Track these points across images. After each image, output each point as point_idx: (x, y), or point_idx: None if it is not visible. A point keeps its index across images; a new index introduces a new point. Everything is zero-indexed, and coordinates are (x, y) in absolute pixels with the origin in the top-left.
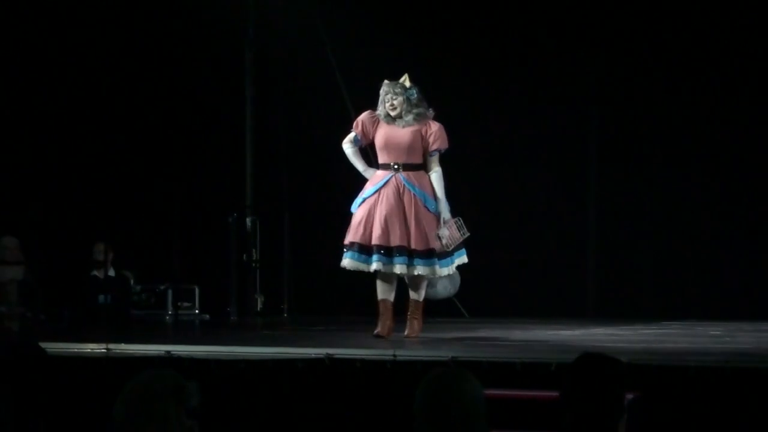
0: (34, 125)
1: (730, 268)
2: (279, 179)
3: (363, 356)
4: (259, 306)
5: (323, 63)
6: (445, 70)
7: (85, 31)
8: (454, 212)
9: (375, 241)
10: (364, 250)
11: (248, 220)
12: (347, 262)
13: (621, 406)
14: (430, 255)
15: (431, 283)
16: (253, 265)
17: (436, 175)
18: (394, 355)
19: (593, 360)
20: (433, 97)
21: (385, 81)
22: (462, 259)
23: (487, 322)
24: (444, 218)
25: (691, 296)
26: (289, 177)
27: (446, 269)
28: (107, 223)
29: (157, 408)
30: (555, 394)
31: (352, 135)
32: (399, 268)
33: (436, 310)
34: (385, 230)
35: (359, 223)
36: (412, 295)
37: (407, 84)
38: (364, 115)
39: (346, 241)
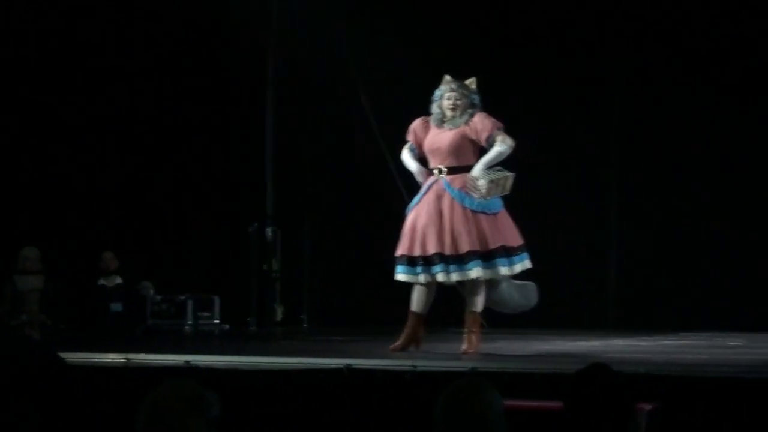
0: (51, 134)
1: (749, 280)
2: (300, 189)
3: (382, 367)
4: (279, 316)
5: (345, 73)
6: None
7: (102, 39)
8: None
9: (417, 251)
10: (411, 261)
11: (269, 230)
12: (400, 276)
13: (628, 417)
14: (462, 260)
15: (492, 290)
16: (273, 275)
17: (495, 148)
18: (414, 366)
19: (593, 372)
20: None
21: (447, 77)
22: (524, 263)
23: (506, 333)
24: (472, 174)
25: (711, 307)
26: (309, 187)
27: (501, 269)
28: (116, 231)
29: (178, 419)
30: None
31: (408, 144)
32: (440, 277)
33: (455, 320)
34: (424, 239)
35: (405, 234)
36: (468, 307)
37: (473, 87)
38: (415, 123)
39: (397, 252)
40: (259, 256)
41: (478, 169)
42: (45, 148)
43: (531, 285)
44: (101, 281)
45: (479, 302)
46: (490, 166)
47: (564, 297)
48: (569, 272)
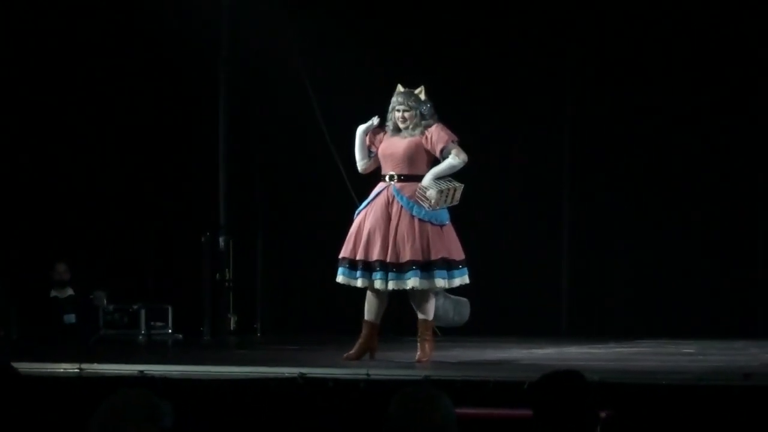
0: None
1: (702, 287)
2: (252, 199)
3: (336, 375)
4: (233, 325)
5: (297, 82)
6: (418, 84)
7: (57, 48)
8: None
9: (359, 255)
10: (352, 264)
11: (221, 240)
12: (339, 277)
13: (591, 420)
14: (402, 269)
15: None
16: (227, 284)
17: (446, 161)
18: (368, 375)
19: (556, 377)
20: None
21: (399, 88)
22: (463, 278)
23: (460, 341)
24: (422, 185)
25: (663, 314)
26: (262, 197)
27: (437, 281)
28: (68, 241)
29: (131, 428)
30: (528, 412)
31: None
32: (378, 284)
33: (409, 329)
34: (367, 244)
35: (349, 237)
36: (419, 315)
37: (422, 97)
38: (376, 134)
39: (340, 255)
40: (212, 265)
41: (428, 179)
42: None
43: (464, 301)
44: (53, 293)
45: (430, 310)
46: (440, 177)
47: (517, 305)
48: (522, 280)
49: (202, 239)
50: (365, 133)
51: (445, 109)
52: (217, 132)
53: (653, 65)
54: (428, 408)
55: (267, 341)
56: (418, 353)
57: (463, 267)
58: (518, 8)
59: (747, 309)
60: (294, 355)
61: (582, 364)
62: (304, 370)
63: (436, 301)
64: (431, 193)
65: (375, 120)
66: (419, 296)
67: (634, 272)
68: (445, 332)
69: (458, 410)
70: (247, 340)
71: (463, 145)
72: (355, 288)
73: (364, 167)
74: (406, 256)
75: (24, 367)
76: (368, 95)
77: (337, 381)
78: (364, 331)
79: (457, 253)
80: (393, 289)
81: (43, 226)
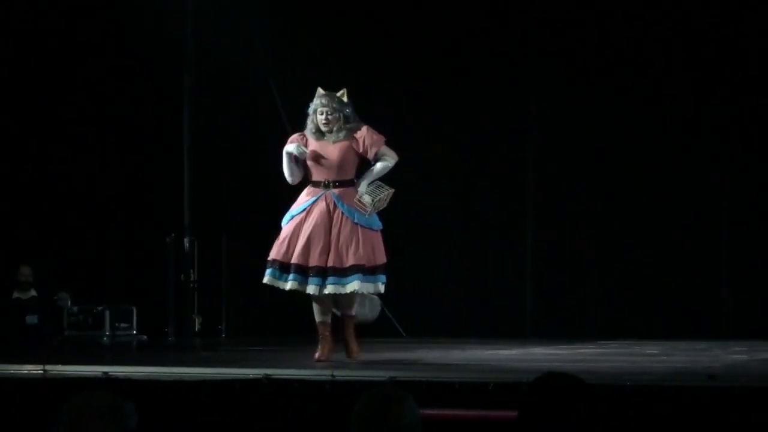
0: None
1: (666, 288)
2: (217, 200)
3: (301, 377)
4: (197, 326)
5: (261, 85)
6: (383, 84)
7: (20, 47)
8: (392, 228)
9: (294, 260)
10: (284, 267)
11: (186, 241)
12: (267, 278)
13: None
14: (344, 273)
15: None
16: (191, 285)
17: (380, 163)
18: (333, 376)
19: (554, 379)
20: (370, 111)
21: (320, 90)
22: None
23: (425, 342)
24: (359, 190)
25: (628, 315)
26: (227, 198)
27: (379, 285)
28: (32, 242)
29: (95, 429)
30: (493, 413)
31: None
32: (311, 289)
33: (373, 330)
34: (306, 250)
35: (283, 241)
36: (345, 313)
37: (345, 99)
38: (293, 137)
39: (269, 256)
40: (176, 266)
41: (364, 186)
42: None
43: (377, 299)
44: (16, 294)
45: (355, 308)
46: (373, 181)
47: (482, 306)
48: (487, 281)
49: (167, 240)
50: (293, 157)
51: (409, 110)
52: (181, 133)
53: (624, 64)
54: (393, 409)
55: (232, 342)
56: (353, 349)
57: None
58: (485, 14)
59: (711, 310)
60: (259, 356)
61: (547, 365)
62: (269, 372)
63: (361, 301)
64: (367, 199)
65: (305, 151)
66: (350, 297)
67: (598, 273)
68: (411, 333)
69: (423, 411)
70: (211, 341)
71: (426, 141)
72: None
73: (296, 181)
74: (350, 261)
75: None
76: (330, 90)
77: (302, 382)
78: (322, 331)
79: (384, 258)
80: (329, 293)
81: (6, 228)
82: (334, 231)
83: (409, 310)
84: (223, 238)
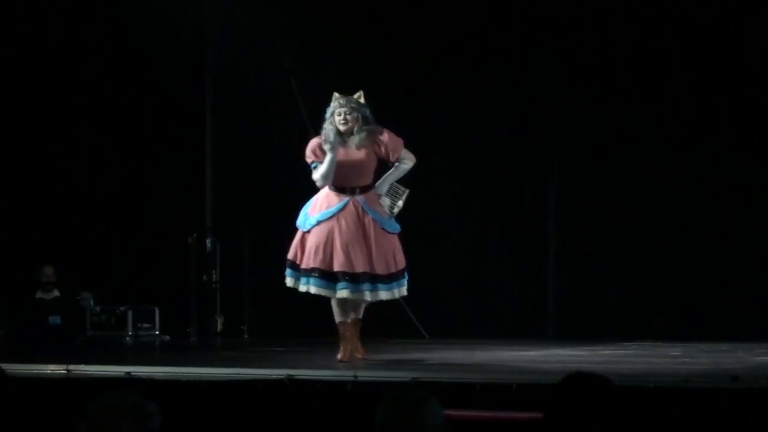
0: None
1: (688, 289)
2: (239, 200)
3: (324, 377)
4: (219, 327)
5: (284, 84)
6: (403, 88)
7: (46, 51)
8: (415, 230)
9: (339, 267)
10: (327, 276)
11: (208, 241)
12: (314, 289)
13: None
14: (391, 279)
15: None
16: (213, 286)
17: (400, 165)
18: (355, 377)
19: (581, 379)
20: (390, 114)
21: (336, 94)
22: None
23: (447, 343)
24: (379, 193)
25: (650, 317)
26: (249, 198)
27: (403, 289)
28: (55, 242)
29: (118, 429)
30: (515, 414)
31: (313, 165)
32: (368, 295)
33: (396, 331)
34: (348, 256)
35: (317, 248)
36: (357, 316)
37: (362, 101)
38: (313, 142)
39: (305, 265)
40: (198, 266)
41: (384, 189)
42: None
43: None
44: (39, 294)
45: (362, 310)
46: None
47: (505, 307)
48: (510, 282)
49: (189, 240)
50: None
51: (432, 114)
52: (203, 133)
53: (640, 68)
54: (416, 410)
55: (254, 343)
56: (362, 351)
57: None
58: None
59: (734, 312)
60: (281, 357)
61: (569, 366)
62: (291, 372)
63: None
64: (387, 202)
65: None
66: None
67: (621, 275)
68: (433, 334)
69: (446, 412)
70: (234, 341)
71: (451, 149)
72: None
73: (328, 184)
74: (393, 267)
75: (11, 368)
76: (351, 94)
77: (324, 383)
78: (344, 331)
79: (403, 263)
80: (383, 299)
81: (29, 228)
82: (369, 237)
83: (431, 312)
84: (246, 239)
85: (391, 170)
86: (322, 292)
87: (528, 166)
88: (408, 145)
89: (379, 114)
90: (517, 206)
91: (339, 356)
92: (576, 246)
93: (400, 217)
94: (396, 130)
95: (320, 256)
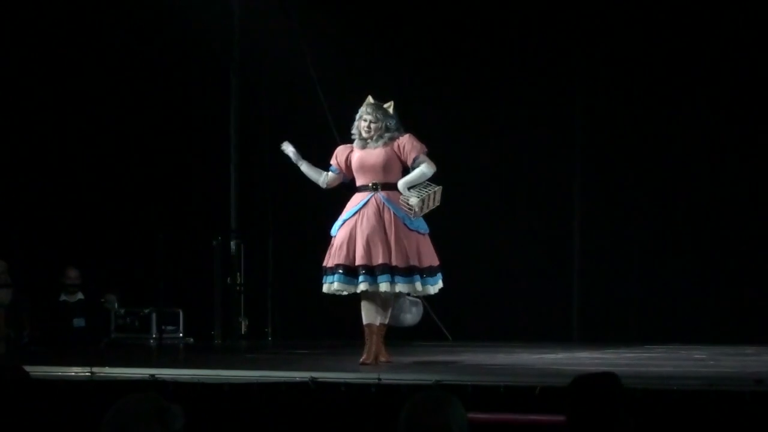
0: (14, 150)
1: (713, 293)
2: (263, 203)
3: (347, 380)
4: (243, 329)
5: (309, 87)
6: (428, 91)
7: (69, 54)
8: (439, 232)
9: (359, 261)
10: (350, 271)
11: (232, 244)
12: (336, 285)
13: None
14: (410, 272)
15: (398, 310)
16: (238, 288)
17: (418, 168)
18: (379, 379)
19: (587, 380)
20: (416, 117)
21: (369, 99)
22: (438, 285)
23: (471, 346)
24: (403, 195)
25: (675, 320)
26: (273, 201)
27: (429, 287)
28: (80, 245)
29: (141, 431)
30: (539, 417)
31: (330, 167)
32: (384, 286)
33: (420, 333)
34: (368, 250)
35: (341, 245)
36: (380, 318)
37: (390, 111)
38: (338, 149)
39: (330, 263)
40: (223, 269)
41: (404, 188)
42: (8, 163)
43: (420, 303)
44: (63, 297)
45: (389, 314)
46: (413, 185)
47: (529, 310)
48: (534, 285)
49: (214, 243)
50: (296, 159)
51: (456, 114)
52: (228, 136)
53: (667, 66)
54: (441, 413)
55: (277, 345)
56: (386, 355)
57: (437, 274)
58: (527, 15)
59: (759, 315)
60: (305, 359)
61: (593, 369)
62: (315, 375)
63: (409, 307)
64: (414, 201)
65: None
66: (385, 301)
67: (645, 278)
68: (456, 337)
69: (470, 415)
70: (257, 344)
71: (471, 146)
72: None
73: (325, 182)
74: (409, 261)
75: (35, 370)
76: (379, 99)
77: (348, 385)
78: (369, 334)
79: (434, 261)
80: (400, 292)
81: (54, 231)
82: (390, 231)
83: (455, 314)
84: (270, 241)
85: (409, 174)
86: (344, 288)
87: (553, 169)
88: (434, 149)
89: (407, 115)
90: (542, 209)
91: (362, 359)
92: (600, 248)
93: (427, 219)
94: (426, 131)
95: (344, 252)
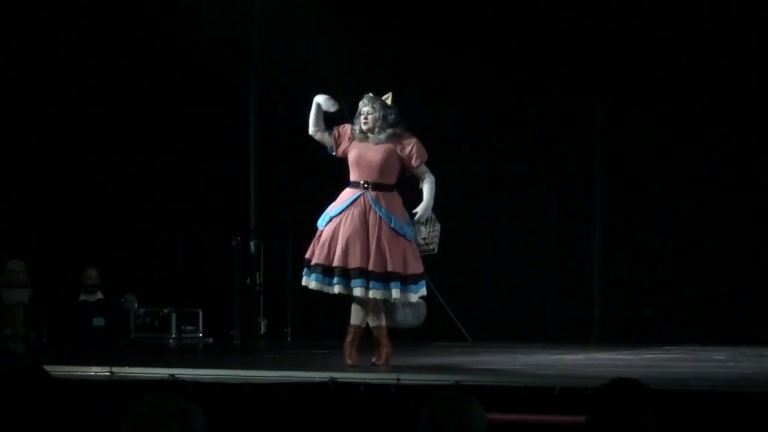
0: (33, 148)
1: (732, 294)
2: (282, 203)
3: (367, 380)
4: (263, 329)
5: (327, 87)
6: (447, 91)
7: (87, 53)
8: (460, 233)
9: (336, 262)
10: (327, 271)
11: (252, 244)
12: (313, 284)
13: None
14: (387, 279)
15: (389, 311)
16: (257, 288)
17: (428, 183)
18: (398, 379)
19: (622, 385)
20: (434, 118)
21: (369, 94)
22: (422, 291)
23: (490, 347)
24: (418, 219)
25: (694, 321)
26: (292, 201)
27: (411, 295)
28: (99, 245)
29: (161, 431)
30: (558, 418)
31: (330, 130)
32: (357, 291)
33: (439, 334)
34: (345, 252)
35: (323, 244)
36: (381, 322)
37: (388, 102)
38: (344, 126)
39: (313, 261)
40: (242, 269)
41: (424, 215)
42: (27, 162)
43: (422, 304)
44: (82, 297)
45: (384, 316)
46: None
47: (548, 311)
48: (553, 286)
49: (233, 243)
50: (321, 107)
51: (478, 116)
52: (248, 137)
53: (686, 72)
54: (460, 413)
55: (297, 345)
56: (382, 356)
57: (420, 281)
58: (548, 23)
59: None
60: (324, 360)
61: (612, 370)
62: (334, 375)
63: (402, 309)
64: (423, 232)
65: (335, 106)
66: (378, 304)
67: (665, 279)
68: (476, 338)
69: (489, 416)
70: (277, 344)
71: (496, 152)
72: None
73: (313, 132)
74: (390, 266)
75: (55, 370)
76: (397, 100)
77: (367, 385)
78: (377, 337)
79: (418, 268)
80: (373, 298)
81: (74, 231)
82: (372, 234)
83: (474, 315)
84: (289, 241)
85: (425, 194)
86: (320, 287)
87: (574, 170)
88: (457, 152)
89: (422, 114)
90: (562, 210)
91: (373, 359)
92: (621, 250)
93: (444, 220)
94: (443, 131)
95: (324, 251)
